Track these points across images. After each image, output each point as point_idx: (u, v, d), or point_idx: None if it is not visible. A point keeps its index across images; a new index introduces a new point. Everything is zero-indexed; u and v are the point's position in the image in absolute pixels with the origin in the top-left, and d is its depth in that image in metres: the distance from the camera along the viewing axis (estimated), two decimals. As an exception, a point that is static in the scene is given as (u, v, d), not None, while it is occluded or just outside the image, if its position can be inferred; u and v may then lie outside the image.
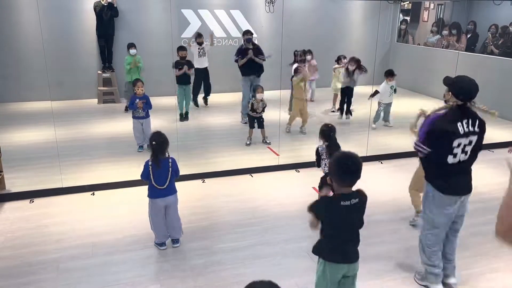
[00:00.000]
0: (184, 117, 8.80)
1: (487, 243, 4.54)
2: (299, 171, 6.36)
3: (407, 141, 7.58)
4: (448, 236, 3.75)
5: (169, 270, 4.04)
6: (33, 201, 5.33)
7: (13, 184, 5.66)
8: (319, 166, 4.85)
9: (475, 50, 10.10)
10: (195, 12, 10.76)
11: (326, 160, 4.77)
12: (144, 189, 5.62)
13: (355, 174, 2.74)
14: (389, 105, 8.60)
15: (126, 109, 9.23)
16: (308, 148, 7.32)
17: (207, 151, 7.07)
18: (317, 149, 4.79)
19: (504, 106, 9.24)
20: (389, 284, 3.87)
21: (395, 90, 8.44)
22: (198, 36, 9.47)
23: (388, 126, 8.62)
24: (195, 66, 9.09)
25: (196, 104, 9.70)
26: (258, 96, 7.22)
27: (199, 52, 9.37)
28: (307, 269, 4.06)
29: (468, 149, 3.47)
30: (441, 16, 11.16)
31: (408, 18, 12.31)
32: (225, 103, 10.09)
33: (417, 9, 11.94)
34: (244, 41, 8.52)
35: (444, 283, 3.77)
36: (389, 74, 8.43)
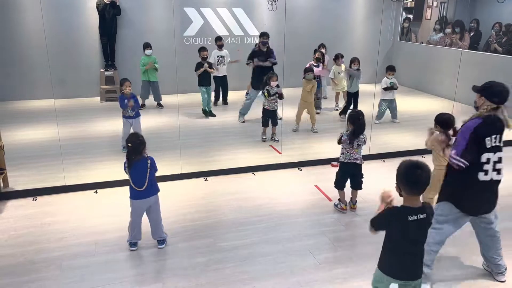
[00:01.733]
0: (208, 113, 8.94)
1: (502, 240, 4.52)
2: (301, 170, 6.36)
3: (410, 140, 7.59)
4: (485, 241, 3.81)
5: (171, 268, 4.05)
6: (36, 199, 5.34)
7: (16, 182, 5.67)
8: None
9: (478, 48, 10.06)
10: (197, 10, 10.75)
11: (344, 148, 4.94)
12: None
13: (425, 183, 2.71)
14: (392, 101, 8.58)
15: (143, 106, 9.38)
16: (311, 146, 7.32)
17: (209, 149, 7.08)
18: (340, 137, 4.94)
19: (508, 105, 9.21)
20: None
21: (394, 87, 8.42)
22: (218, 39, 9.49)
23: (395, 122, 8.62)
24: (214, 74, 9.23)
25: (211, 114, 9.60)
26: (273, 83, 7.25)
27: (218, 60, 9.37)
28: (310, 267, 4.06)
29: (500, 167, 3.50)
30: (444, 14, 11.12)
31: (411, 16, 12.27)
32: (232, 101, 10.07)
33: (420, 7, 11.90)
34: (259, 43, 8.51)
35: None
36: (389, 69, 8.48)
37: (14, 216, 4.94)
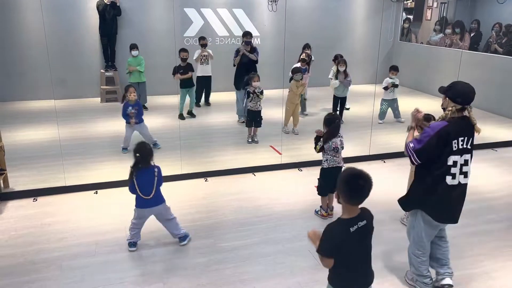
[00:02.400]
0: (183, 117, 8.76)
1: (489, 242, 4.53)
2: (301, 170, 6.36)
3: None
4: (437, 243, 3.76)
5: (172, 268, 4.05)
6: (36, 200, 5.34)
7: (17, 183, 5.68)
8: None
9: (478, 48, 10.07)
10: (197, 11, 10.76)
11: (328, 154, 4.84)
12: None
13: (365, 195, 2.61)
14: (393, 101, 8.59)
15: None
16: (311, 147, 7.31)
17: (209, 150, 7.08)
18: (322, 146, 4.84)
19: (507, 105, 9.22)
20: (391, 283, 3.87)
21: (396, 86, 8.42)
22: (202, 38, 9.46)
23: (400, 122, 8.61)
24: (198, 74, 9.14)
25: (197, 104, 9.68)
26: (255, 84, 7.22)
27: (201, 60, 9.33)
28: (310, 268, 4.06)
29: (467, 170, 3.42)
30: (444, 15, 11.12)
31: (411, 17, 12.28)
32: (228, 102, 10.07)
33: (420, 8, 11.90)
34: (242, 43, 8.44)
35: (440, 286, 3.74)
36: (392, 68, 8.49)
37: (14, 217, 4.94)
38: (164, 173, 5.91)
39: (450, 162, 3.36)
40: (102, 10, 9.75)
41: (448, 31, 10.87)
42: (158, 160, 6.73)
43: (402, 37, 12.56)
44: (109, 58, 10.22)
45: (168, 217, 4.32)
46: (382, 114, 8.64)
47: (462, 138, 3.36)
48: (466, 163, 3.41)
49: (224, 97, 10.45)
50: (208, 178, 6.02)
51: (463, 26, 10.52)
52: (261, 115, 7.45)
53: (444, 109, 3.48)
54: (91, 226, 4.74)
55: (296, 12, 11.16)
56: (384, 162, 6.65)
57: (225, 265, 4.09)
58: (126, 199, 5.37)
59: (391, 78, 8.43)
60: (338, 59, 8.42)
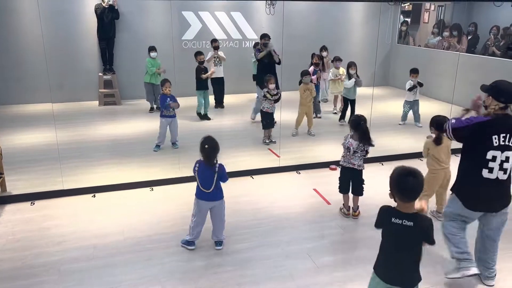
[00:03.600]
0: (203, 116, 9.03)
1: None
2: (300, 173, 6.36)
3: (408, 143, 7.59)
4: (484, 243, 3.82)
5: (170, 272, 4.04)
6: (34, 203, 5.32)
7: (14, 186, 5.65)
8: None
9: (475, 51, 10.10)
10: (195, 14, 10.77)
11: (344, 152, 4.94)
12: (145, 192, 5.67)
13: (417, 190, 2.71)
14: (415, 103, 8.65)
15: (152, 110, 9.52)
16: (309, 149, 7.32)
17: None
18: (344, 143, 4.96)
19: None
20: None
21: (421, 85, 8.54)
22: (214, 40, 9.56)
23: (418, 126, 8.62)
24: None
25: (221, 105, 9.93)
26: (271, 86, 7.31)
27: (214, 61, 9.39)
28: (309, 271, 4.06)
29: (507, 167, 3.49)
30: (441, 18, 11.16)
31: (408, 20, 12.32)
32: (227, 104, 10.08)
33: (418, 11, 11.94)
34: (260, 45, 8.56)
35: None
36: (412, 71, 8.58)
37: (12, 221, 4.92)
38: (163, 176, 5.95)
39: (489, 156, 3.44)
40: (101, 14, 9.76)
41: (446, 34, 10.90)
42: (157, 162, 6.74)
43: (400, 40, 12.59)
44: (107, 62, 10.21)
45: (222, 216, 4.36)
46: (404, 116, 8.78)
47: (504, 135, 3.42)
48: (507, 160, 3.47)
49: (226, 100, 10.43)
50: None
51: (460, 29, 10.55)
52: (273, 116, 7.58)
53: (486, 107, 3.56)
54: (89, 230, 4.72)
55: (294, 15, 11.18)
56: (382, 164, 6.65)
57: (224, 269, 4.08)
58: (124, 202, 5.38)
59: (412, 81, 8.48)
60: (348, 62, 8.58)
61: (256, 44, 9.73)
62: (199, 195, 4.26)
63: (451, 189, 3.88)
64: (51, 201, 5.39)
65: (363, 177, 5.01)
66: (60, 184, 5.62)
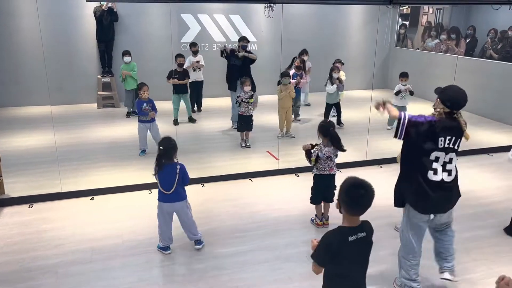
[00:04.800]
0: (178, 123, 8.75)
1: (487, 247, 4.54)
2: (298, 176, 6.36)
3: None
4: (438, 237, 3.77)
5: (169, 275, 4.03)
6: (32, 206, 5.32)
7: (13, 189, 5.64)
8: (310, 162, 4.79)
9: (473, 54, 10.12)
10: (194, 17, 10.79)
11: (318, 166, 4.75)
12: (143, 194, 5.66)
13: (366, 204, 2.58)
14: (403, 108, 8.57)
15: (128, 115, 9.34)
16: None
17: (206, 156, 7.07)
18: (316, 156, 4.70)
19: (503, 111, 9.26)
20: (389, 289, 3.87)
21: (411, 93, 8.42)
22: (193, 44, 9.47)
23: None
24: (190, 80, 9.16)
25: (192, 110, 9.66)
26: (246, 88, 7.24)
27: (193, 67, 9.32)
28: (307, 274, 4.05)
29: (451, 168, 3.46)
30: (440, 21, 11.19)
31: (407, 23, 12.35)
32: (224, 107, 10.07)
33: (416, 14, 11.98)
34: (238, 47, 8.43)
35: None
36: (401, 75, 8.46)
37: (10, 223, 4.91)
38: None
39: (432, 157, 3.42)
40: (100, 16, 9.76)
41: (444, 37, 10.93)
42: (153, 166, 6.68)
43: (398, 43, 12.63)
44: (106, 64, 10.22)
45: (188, 216, 4.35)
46: (391, 120, 8.67)
47: (450, 137, 3.41)
48: (450, 161, 3.46)
49: (219, 102, 10.46)
50: (205, 184, 6.00)
51: (458, 32, 10.58)
52: (252, 119, 7.48)
53: (434, 109, 3.55)
54: (88, 233, 4.71)
55: (293, 18, 11.20)
56: (381, 167, 6.66)
57: (222, 272, 4.08)
58: (122, 205, 5.38)
59: (403, 85, 8.42)
60: (332, 66, 8.51)
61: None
62: (160, 197, 4.23)
63: (396, 202, 3.77)
64: (49, 203, 5.38)
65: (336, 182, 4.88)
66: (58, 187, 5.61)
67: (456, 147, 3.46)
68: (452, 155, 3.45)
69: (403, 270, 3.74)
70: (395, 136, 3.54)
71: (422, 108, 10.44)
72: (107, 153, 7.15)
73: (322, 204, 4.93)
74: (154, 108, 6.89)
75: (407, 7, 12.19)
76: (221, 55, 8.46)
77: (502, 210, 5.27)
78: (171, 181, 4.14)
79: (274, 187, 5.98)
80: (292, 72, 8.83)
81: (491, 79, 9.44)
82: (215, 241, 4.59)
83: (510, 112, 9.06)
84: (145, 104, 6.76)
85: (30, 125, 8.56)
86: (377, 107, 3.78)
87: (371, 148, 7.13)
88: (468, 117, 9.39)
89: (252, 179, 6.21)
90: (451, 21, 10.91)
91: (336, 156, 4.79)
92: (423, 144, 3.42)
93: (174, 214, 4.32)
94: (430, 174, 3.42)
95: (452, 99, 3.40)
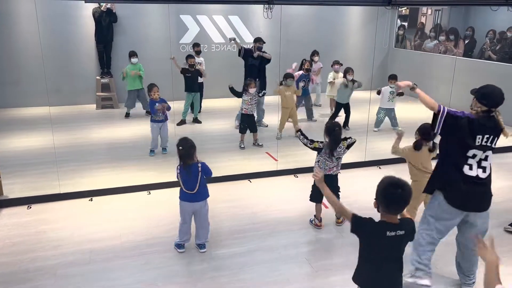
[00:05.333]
0: (185, 123, 8.84)
1: (487, 248, 4.53)
2: (297, 177, 6.35)
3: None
4: (463, 253, 3.80)
5: (167, 276, 4.02)
6: (30, 207, 5.30)
7: (11, 190, 5.63)
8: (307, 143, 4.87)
9: (472, 55, 10.14)
10: (193, 18, 10.78)
11: (319, 158, 4.75)
12: (142, 195, 5.66)
13: (403, 203, 2.64)
14: (390, 110, 8.55)
15: (127, 115, 9.36)
16: (307, 153, 7.31)
17: (205, 156, 6.98)
18: (319, 147, 4.78)
19: (502, 111, 9.26)
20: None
21: (399, 94, 8.38)
22: (196, 45, 9.48)
23: (398, 130, 8.58)
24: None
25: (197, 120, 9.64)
26: (251, 90, 7.27)
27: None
28: (307, 275, 4.05)
29: (486, 165, 3.51)
30: (438, 22, 11.21)
31: (405, 24, 12.36)
32: (223, 108, 10.08)
33: (415, 15, 11.99)
34: (254, 47, 8.50)
35: None
36: (390, 77, 8.48)
37: (8, 225, 4.90)
38: (160, 179, 5.93)
39: (469, 154, 3.46)
40: (98, 17, 9.76)
41: (442, 38, 10.94)
42: (154, 166, 6.74)
43: (397, 44, 12.64)
44: (105, 65, 10.20)
45: (206, 217, 4.37)
46: (378, 123, 8.62)
47: (488, 136, 3.45)
48: (486, 158, 3.50)
49: (220, 103, 10.45)
50: (204, 185, 5.99)
51: (457, 33, 10.60)
52: (255, 120, 7.51)
53: (471, 108, 3.59)
54: (86, 234, 4.70)
55: (292, 19, 11.20)
56: (379, 168, 6.65)
57: (221, 273, 4.07)
58: (121, 206, 5.37)
59: (391, 87, 8.41)
60: (346, 68, 8.57)
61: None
62: (183, 197, 4.27)
63: (426, 191, 3.83)
64: (47, 205, 5.37)
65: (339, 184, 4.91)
66: (57, 188, 5.60)
67: (493, 145, 3.50)
68: (489, 152, 3.51)
69: (416, 253, 3.76)
70: (432, 129, 3.61)
71: (420, 109, 10.44)
72: (105, 154, 7.14)
73: (323, 204, 4.92)
74: (168, 106, 6.99)
75: (405, 8, 12.20)
76: (239, 55, 8.61)
77: (503, 211, 5.28)
78: (195, 181, 4.19)
79: (272, 188, 5.97)
80: (298, 73, 8.90)
81: (490, 80, 9.31)
82: (214, 242, 4.58)
83: (509, 112, 9.06)
84: (157, 104, 6.85)
85: (28, 126, 8.54)
86: (412, 88, 3.86)
87: (370, 149, 7.13)
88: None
89: (251, 180, 6.20)
90: (449, 22, 10.92)
91: (338, 158, 4.75)
92: (461, 140, 3.48)
93: None
94: (466, 168, 3.49)
95: (488, 97, 3.46)
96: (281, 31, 8.45)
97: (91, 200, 5.51)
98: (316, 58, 9.77)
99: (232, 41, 8.57)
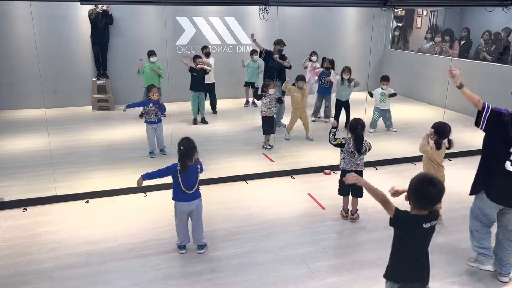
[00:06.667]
0: (198, 122, 8.95)
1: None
2: (294, 178, 6.36)
3: (401, 147, 7.62)
4: (502, 242, 3.89)
5: (164, 278, 4.01)
6: (26, 210, 5.28)
7: (6, 193, 5.60)
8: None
9: (468, 56, 10.18)
10: (189, 19, 10.78)
11: (343, 156, 4.96)
12: (139, 197, 5.64)
13: (435, 200, 2.73)
14: (385, 111, 8.58)
15: (142, 115, 9.29)
16: (304, 154, 7.33)
17: (201, 158, 7.01)
18: (342, 143, 4.98)
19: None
20: None
21: (393, 95, 8.45)
22: (205, 47, 9.53)
23: (393, 131, 8.63)
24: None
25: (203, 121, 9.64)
26: (270, 91, 7.35)
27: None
28: (303, 276, 4.05)
29: None
30: (434, 23, 11.25)
31: (401, 25, 12.40)
32: (220, 110, 10.07)
33: (411, 16, 12.03)
34: (275, 50, 8.64)
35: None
36: (382, 79, 8.53)
37: (4, 227, 4.88)
38: (156, 181, 5.91)
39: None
40: (94, 19, 9.74)
41: (438, 39, 10.99)
42: (150, 167, 6.69)
43: (393, 45, 12.67)
44: (101, 67, 10.18)
45: (200, 216, 4.37)
46: (373, 123, 8.65)
47: None
48: None
49: (218, 104, 10.42)
50: (201, 187, 5.95)
51: (452, 34, 10.64)
52: (274, 121, 7.67)
53: None
54: (83, 236, 4.69)
55: (288, 20, 11.21)
56: (376, 169, 6.66)
57: (218, 274, 4.07)
58: (117, 208, 5.36)
59: (383, 89, 8.45)
60: (343, 68, 8.60)
61: (253, 52, 10.01)
62: (180, 197, 4.24)
63: (473, 188, 3.97)
64: (43, 207, 5.35)
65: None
66: (53, 190, 5.58)
67: None
68: None
69: (475, 240, 3.95)
70: (477, 125, 3.70)
71: (416, 110, 10.50)
72: (102, 156, 7.12)
73: (350, 197, 5.06)
74: (163, 109, 7.00)
75: (401, 9, 12.24)
76: (259, 56, 8.82)
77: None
78: (194, 181, 4.20)
79: (269, 189, 5.97)
80: (321, 70, 9.16)
81: (485, 81, 9.49)
82: (211, 244, 4.57)
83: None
84: (151, 104, 6.85)
85: (24, 128, 8.51)
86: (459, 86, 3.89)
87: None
88: (462, 118, 9.48)
89: (247, 181, 6.20)
90: (445, 23, 10.96)
91: (361, 153, 4.95)
92: (504, 136, 3.55)
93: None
94: (508, 164, 3.58)
95: None
96: (277, 32, 8.45)
97: (87, 203, 5.49)
98: (314, 58, 9.83)
99: (253, 41, 8.70)
